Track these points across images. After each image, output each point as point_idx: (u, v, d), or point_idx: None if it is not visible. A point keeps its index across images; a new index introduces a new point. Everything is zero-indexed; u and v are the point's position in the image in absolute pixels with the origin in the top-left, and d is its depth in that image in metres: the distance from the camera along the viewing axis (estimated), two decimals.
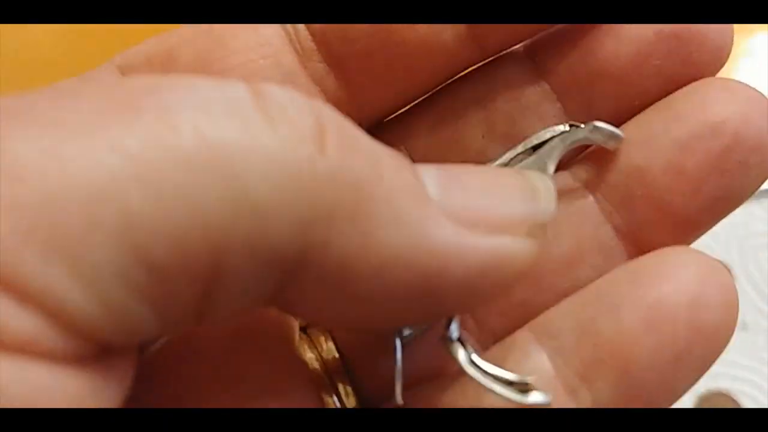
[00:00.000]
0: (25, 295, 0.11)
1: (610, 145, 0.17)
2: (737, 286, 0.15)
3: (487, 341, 0.17)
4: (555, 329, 0.16)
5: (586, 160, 0.18)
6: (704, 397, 0.35)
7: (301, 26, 0.17)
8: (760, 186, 0.16)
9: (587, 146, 0.18)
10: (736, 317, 0.15)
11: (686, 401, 0.35)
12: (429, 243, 0.13)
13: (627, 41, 0.17)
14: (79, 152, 0.11)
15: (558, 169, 0.17)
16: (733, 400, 0.35)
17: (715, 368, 0.16)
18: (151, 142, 0.11)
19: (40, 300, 0.11)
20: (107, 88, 0.12)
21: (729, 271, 0.16)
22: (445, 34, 0.17)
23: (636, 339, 0.15)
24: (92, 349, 0.12)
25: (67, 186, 0.11)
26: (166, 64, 0.17)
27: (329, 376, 0.17)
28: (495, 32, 0.17)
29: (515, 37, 0.17)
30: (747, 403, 0.35)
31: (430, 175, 0.14)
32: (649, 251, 0.16)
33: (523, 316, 0.17)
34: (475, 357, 0.15)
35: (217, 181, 0.12)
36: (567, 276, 0.17)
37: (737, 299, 0.15)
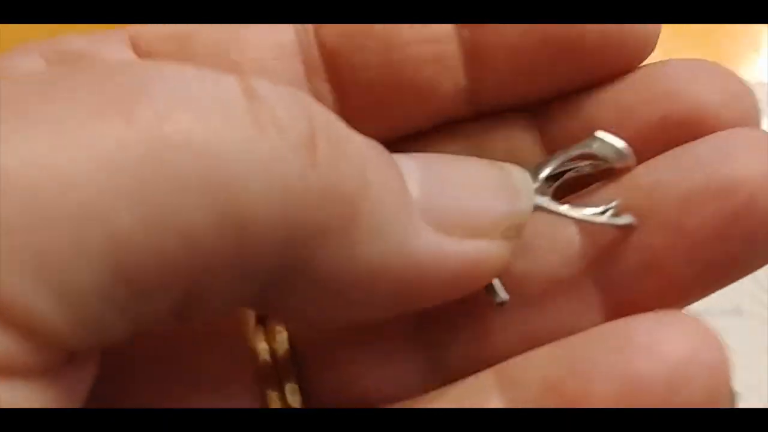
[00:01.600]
0: (6, 317, 0.10)
1: (617, 163, 0.15)
2: None
3: (443, 366, 0.16)
4: (520, 378, 0.15)
5: (581, 196, 0.16)
6: None
7: (313, 43, 0.17)
8: (765, 264, 0.15)
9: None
10: (726, 394, 0.14)
11: None
12: (409, 254, 0.13)
13: (629, 120, 0.16)
14: (68, 162, 0.10)
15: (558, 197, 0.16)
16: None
17: None
18: (141, 152, 0.11)
19: (20, 321, 0.10)
20: (100, 82, 0.12)
21: (721, 342, 0.14)
22: (447, 81, 0.16)
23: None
24: (60, 359, 0.11)
25: (54, 203, 0.10)
26: (182, 43, 0.17)
27: (278, 370, 0.17)
28: (492, 91, 0.17)
29: (511, 98, 0.17)
30: (742, 390, 0.35)
31: (412, 173, 0.14)
32: (626, 306, 0.15)
33: (481, 342, 0.16)
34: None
35: (206, 195, 0.11)
36: (532, 314, 0.16)
37: (728, 375, 0.14)
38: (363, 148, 0.13)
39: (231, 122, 0.11)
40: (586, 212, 0.15)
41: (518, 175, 0.15)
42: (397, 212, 0.13)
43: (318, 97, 0.17)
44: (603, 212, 0.15)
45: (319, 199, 0.12)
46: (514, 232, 0.14)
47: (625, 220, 0.15)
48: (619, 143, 0.15)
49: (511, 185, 0.15)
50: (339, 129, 0.13)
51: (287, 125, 0.12)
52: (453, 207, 0.14)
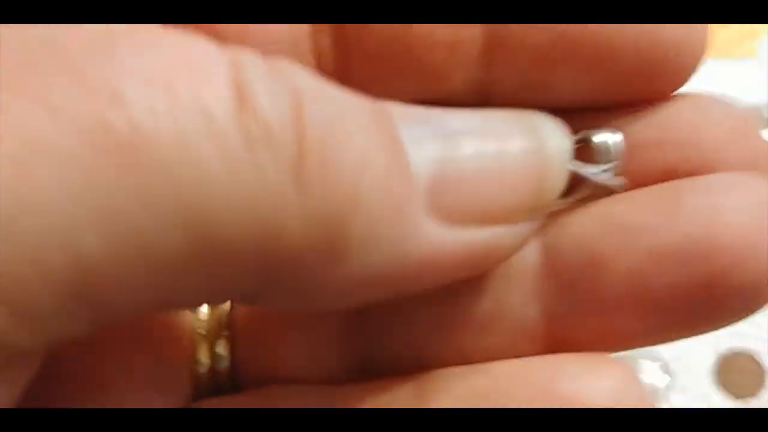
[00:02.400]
0: None
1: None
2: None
3: (372, 364, 0.16)
4: (441, 388, 0.15)
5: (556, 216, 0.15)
6: (726, 357, 0.37)
7: None
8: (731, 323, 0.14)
9: None
10: None
11: (708, 360, 0.37)
12: (406, 254, 0.12)
13: (644, 159, 0.15)
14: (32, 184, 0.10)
15: None
16: (755, 360, 0.36)
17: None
18: (110, 173, 0.10)
19: None
20: (50, 53, 0.10)
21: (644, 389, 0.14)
22: (459, 69, 0.15)
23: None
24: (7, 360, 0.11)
25: (15, 225, 0.10)
26: None
27: (214, 383, 0.17)
28: (508, 89, 0.15)
29: (528, 101, 0.15)
30: None
31: (423, 148, 0.12)
32: (566, 342, 0.15)
33: (413, 351, 0.16)
34: None
35: (178, 219, 0.10)
36: (474, 336, 0.15)
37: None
38: (361, 146, 0.12)
39: (216, 136, 0.10)
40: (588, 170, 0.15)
41: (554, 146, 0.13)
42: (396, 214, 0.12)
43: (318, 54, 0.16)
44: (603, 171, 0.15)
45: (303, 221, 0.11)
46: (537, 215, 0.13)
47: (618, 181, 0.15)
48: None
49: (544, 162, 0.13)
50: (336, 128, 0.12)
51: (277, 138, 0.11)
52: (467, 193, 0.13)
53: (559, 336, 0.15)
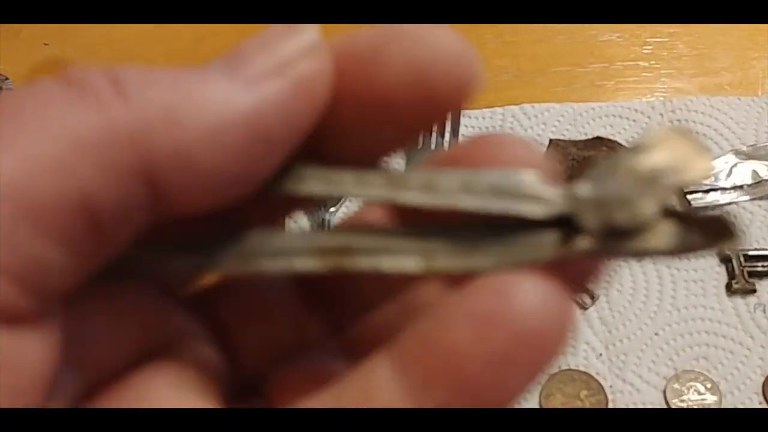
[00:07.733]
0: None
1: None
2: None
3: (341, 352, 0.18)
4: (402, 345, 0.15)
5: None
6: None
7: None
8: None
9: None
10: (565, 334, 0.14)
11: (756, 380, 0.38)
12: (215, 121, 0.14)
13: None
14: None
15: None
16: None
17: None
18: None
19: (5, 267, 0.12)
20: None
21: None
22: None
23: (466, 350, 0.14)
24: (42, 306, 0.13)
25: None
26: None
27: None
28: None
29: None
30: None
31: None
32: None
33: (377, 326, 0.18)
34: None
35: None
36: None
37: (569, 320, 0.14)
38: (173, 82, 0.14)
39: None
40: None
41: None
42: (198, 84, 0.14)
43: None
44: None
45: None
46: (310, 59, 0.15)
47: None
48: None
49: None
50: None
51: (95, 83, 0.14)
52: (246, 61, 0.15)
53: None
